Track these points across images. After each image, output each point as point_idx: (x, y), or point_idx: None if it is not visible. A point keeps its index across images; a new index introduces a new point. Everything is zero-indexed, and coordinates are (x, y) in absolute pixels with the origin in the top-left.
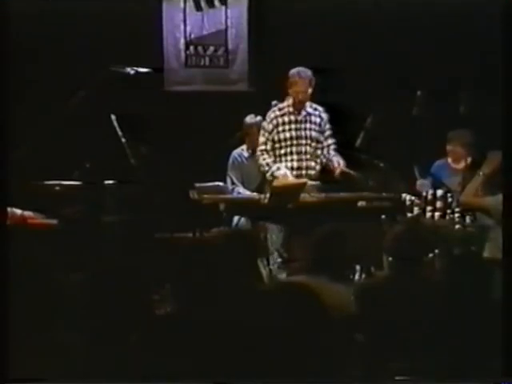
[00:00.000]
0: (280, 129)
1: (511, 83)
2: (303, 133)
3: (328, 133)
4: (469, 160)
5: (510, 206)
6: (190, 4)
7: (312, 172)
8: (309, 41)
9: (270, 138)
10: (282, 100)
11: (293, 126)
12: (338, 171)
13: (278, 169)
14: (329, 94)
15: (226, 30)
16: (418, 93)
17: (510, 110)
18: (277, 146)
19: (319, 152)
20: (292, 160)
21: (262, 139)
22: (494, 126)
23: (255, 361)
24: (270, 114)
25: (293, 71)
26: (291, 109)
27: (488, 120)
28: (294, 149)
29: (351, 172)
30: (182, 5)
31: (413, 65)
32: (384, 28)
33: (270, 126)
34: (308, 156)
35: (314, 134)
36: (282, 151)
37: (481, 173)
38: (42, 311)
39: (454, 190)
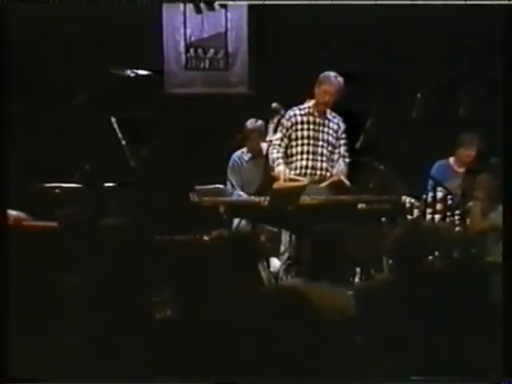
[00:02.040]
0: (299, 127)
1: (511, 83)
2: (320, 135)
3: (342, 141)
4: (470, 164)
5: (510, 212)
6: (190, 7)
7: (327, 174)
8: (308, 43)
9: (287, 134)
10: (281, 103)
11: (311, 127)
12: (334, 178)
13: (279, 165)
14: None
15: (226, 32)
16: (418, 95)
17: (510, 111)
18: (293, 143)
19: (335, 157)
20: (307, 159)
21: (279, 135)
22: (494, 127)
23: (255, 361)
24: (290, 112)
25: (327, 74)
26: (311, 110)
27: (488, 121)
28: (310, 148)
29: (346, 182)
30: (182, 8)
31: (413, 66)
32: (383, 30)
33: (289, 124)
34: (324, 158)
35: (330, 138)
36: (299, 149)
37: (477, 198)
38: (42, 312)
39: (454, 192)
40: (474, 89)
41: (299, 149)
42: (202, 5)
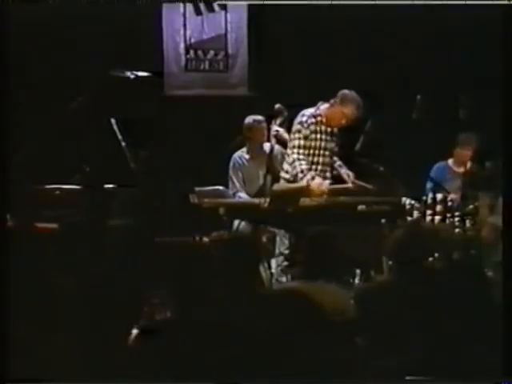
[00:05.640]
0: (312, 136)
1: (511, 84)
2: (328, 144)
3: (334, 137)
4: (469, 164)
5: (510, 212)
6: (190, 8)
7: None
8: (308, 44)
9: (306, 144)
10: (282, 104)
11: (323, 137)
12: (350, 183)
13: (313, 178)
14: (329, 96)
15: (226, 34)
16: (418, 96)
17: (510, 112)
18: (306, 152)
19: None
20: (316, 170)
21: (297, 142)
22: (493, 128)
23: (256, 362)
24: (307, 120)
25: (355, 100)
26: (324, 119)
27: (488, 122)
28: (320, 159)
29: (364, 184)
30: (182, 9)
31: (413, 67)
32: (383, 31)
33: (308, 132)
34: (327, 167)
35: (333, 144)
36: (315, 159)
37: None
38: (42, 313)
39: (453, 194)
40: (473, 90)
41: (315, 159)
42: (202, 6)
